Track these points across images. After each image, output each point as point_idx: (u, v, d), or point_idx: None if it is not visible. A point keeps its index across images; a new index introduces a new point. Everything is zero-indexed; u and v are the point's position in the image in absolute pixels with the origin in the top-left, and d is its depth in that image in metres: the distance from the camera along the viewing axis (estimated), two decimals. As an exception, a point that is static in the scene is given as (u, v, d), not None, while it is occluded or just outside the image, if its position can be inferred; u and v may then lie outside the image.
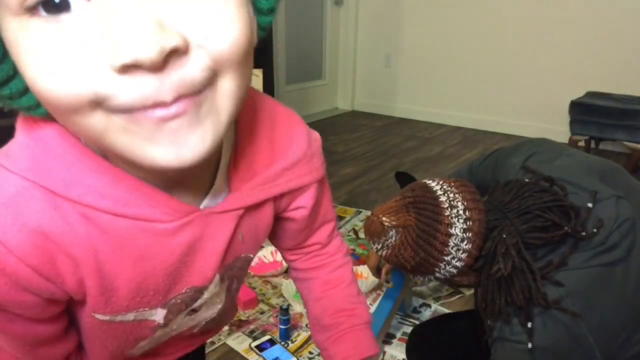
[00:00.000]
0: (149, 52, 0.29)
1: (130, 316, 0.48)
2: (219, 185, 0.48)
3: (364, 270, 1.60)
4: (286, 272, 1.71)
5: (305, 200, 0.58)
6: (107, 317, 0.47)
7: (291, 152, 0.53)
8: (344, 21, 4.17)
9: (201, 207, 0.47)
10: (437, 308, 1.53)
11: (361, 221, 2.12)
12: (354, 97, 4.37)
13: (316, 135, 0.58)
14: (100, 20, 0.30)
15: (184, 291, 0.50)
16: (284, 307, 1.36)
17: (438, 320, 1.41)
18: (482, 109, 3.72)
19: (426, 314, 1.50)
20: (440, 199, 0.94)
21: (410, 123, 3.93)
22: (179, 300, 0.51)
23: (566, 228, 0.85)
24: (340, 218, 2.17)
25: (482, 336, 0.99)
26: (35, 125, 0.40)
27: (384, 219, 0.97)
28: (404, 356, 1.30)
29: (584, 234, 0.84)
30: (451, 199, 0.93)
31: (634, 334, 0.85)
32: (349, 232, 2.03)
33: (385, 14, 3.99)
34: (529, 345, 0.83)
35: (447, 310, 1.51)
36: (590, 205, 0.88)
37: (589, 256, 0.84)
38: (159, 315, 0.51)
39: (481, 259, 0.92)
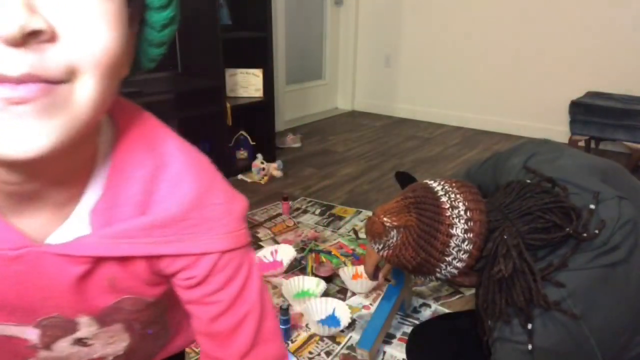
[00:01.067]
0: (9, 27, 0.28)
1: None
2: (73, 222, 0.43)
3: (363, 270, 1.60)
4: (286, 272, 1.71)
5: (197, 271, 0.47)
6: None
7: (162, 209, 0.44)
8: (344, 21, 4.17)
9: (46, 241, 0.42)
10: (437, 308, 1.53)
11: (361, 221, 2.12)
12: (354, 97, 4.37)
13: (227, 201, 0.47)
14: None
15: (53, 315, 0.47)
16: (284, 307, 1.36)
17: (438, 320, 1.41)
18: (482, 109, 3.72)
19: (426, 314, 1.50)
20: (441, 200, 0.94)
21: (410, 123, 3.93)
22: (51, 323, 0.48)
23: (567, 229, 0.85)
24: (340, 218, 2.17)
25: (482, 336, 0.99)
26: None
27: (385, 219, 0.97)
28: (404, 356, 1.30)
29: (585, 235, 0.84)
30: (452, 199, 0.93)
31: (636, 335, 0.84)
32: (349, 232, 2.03)
33: (385, 14, 3.99)
34: (529, 346, 0.83)
35: (447, 310, 1.51)
36: (592, 206, 0.87)
37: (591, 257, 0.83)
38: (31, 334, 0.48)
39: (482, 259, 0.92)
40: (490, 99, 3.67)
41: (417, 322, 1.46)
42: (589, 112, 2.64)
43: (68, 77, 0.33)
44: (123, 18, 0.36)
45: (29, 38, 0.30)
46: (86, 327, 0.50)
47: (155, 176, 0.44)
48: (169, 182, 0.44)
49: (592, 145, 3.00)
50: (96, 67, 0.34)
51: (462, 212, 0.92)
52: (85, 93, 0.34)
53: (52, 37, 0.31)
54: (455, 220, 0.91)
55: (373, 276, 1.36)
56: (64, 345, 0.51)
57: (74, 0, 0.32)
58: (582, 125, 2.67)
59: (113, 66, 0.35)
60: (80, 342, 0.51)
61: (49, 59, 0.31)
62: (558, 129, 3.33)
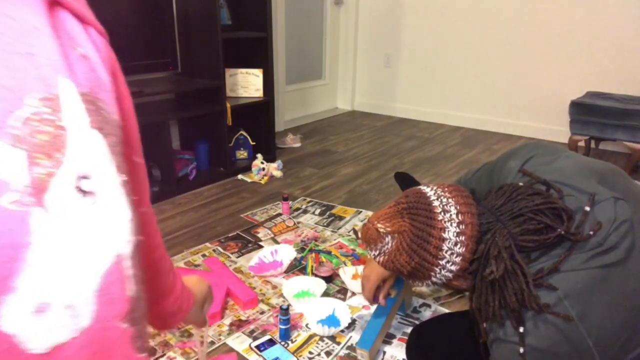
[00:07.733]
0: None
1: None
2: None
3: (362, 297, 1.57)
4: (286, 272, 1.71)
5: None
6: None
7: None
8: (344, 21, 4.17)
9: None
10: (437, 308, 1.53)
11: (361, 221, 2.13)
12: (354, 97, 4.38)
13: None
14: None
15: None
16: (284, 307, 1.37)
17: (437, 319, 1.42)
18: (482, 109, 3.72)
19: (426, 314, 1.50)
20: (433, 204, 0.94)
21: (410, 123, 3.93)
22: None
23: (559, 230, 0.85)
24: (340, 218, 2.17)
25: (478, 338, 0.99)
26: None
27: (379, 225, 0.98)
28: (404, 356, 1.30)
29: (578, 236, 0.85)
30: (444, 203, 0.94)
31: (635, 335, 0.85)
32: (349, 232, 2.03)
33: (385, 14, 4.00)
34: (521, 349, 0.84)
35: (447, 310, 1.51)
36: (587, 208, 0.88)
37: (587, 258, 0.84)
38: None
39: (475, 262, 0.93)
40: (490, 99, 3.67)
41: (417, 322, 1.46)
42: (589, 112, 2.64)
43: None
44: None
45: None
46: None
47: None
48: None
49: (592, 145, 3.00)
50: None
51: (454, 216, 0.92)
52: None
53: None
54: (447, 224, 0.92)
55: (374, 300, 1.32)
56: None
57: None
58: (582, 125, 2.67)
59: None
60: None
61: None
62: (558, 129, 3.34)
